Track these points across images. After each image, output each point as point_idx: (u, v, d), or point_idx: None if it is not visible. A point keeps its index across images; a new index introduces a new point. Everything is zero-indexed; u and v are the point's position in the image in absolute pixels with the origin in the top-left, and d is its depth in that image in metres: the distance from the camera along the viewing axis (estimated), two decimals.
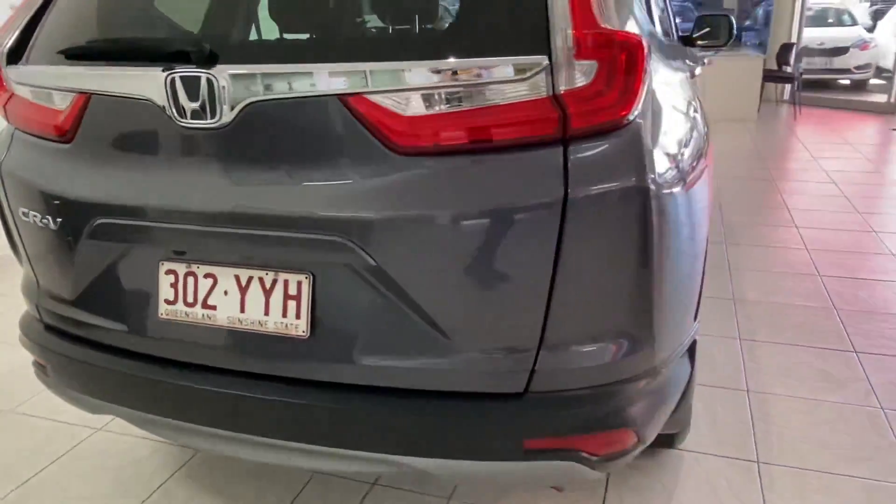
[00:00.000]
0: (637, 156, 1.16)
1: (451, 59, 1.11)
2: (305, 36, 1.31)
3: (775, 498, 1.80)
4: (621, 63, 1.13)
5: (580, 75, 1.12)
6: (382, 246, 1.18)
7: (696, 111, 1.68)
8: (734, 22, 3.26)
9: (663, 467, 1.92)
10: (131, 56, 1.26)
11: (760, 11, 9.63)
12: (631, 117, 1.17)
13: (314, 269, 1.25)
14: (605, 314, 1.22)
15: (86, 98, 1.33)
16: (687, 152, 1.38)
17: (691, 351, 1.56)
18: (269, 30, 1.36)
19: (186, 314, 1.34)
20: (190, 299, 1.34)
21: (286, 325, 1.28)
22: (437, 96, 1.12)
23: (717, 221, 4.11)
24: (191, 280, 1.34)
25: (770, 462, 1.93)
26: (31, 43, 1.44)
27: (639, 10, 1.36)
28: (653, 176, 1.16)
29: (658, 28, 1.82)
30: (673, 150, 1.29)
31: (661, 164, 1.20)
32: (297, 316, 1.27)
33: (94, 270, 1.42)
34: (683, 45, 3.30)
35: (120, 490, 1.89)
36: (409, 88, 1.12)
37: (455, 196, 1.15)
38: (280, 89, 1.17)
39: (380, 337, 1.24)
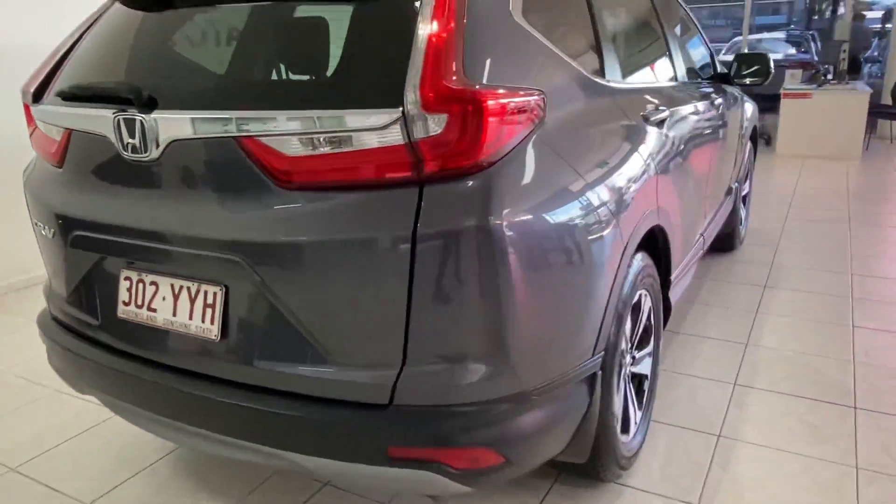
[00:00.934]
0: (485, 199, 1.28)
1: (322, 110, 1.30)
2: (217, 85, 1.54)
3: None
4: (469, 116, 1.27)
5: (434, 125, 1.27)
6: (268, 267, 1.37)
7: (649, 157, 1.77)
8: (770, 60, 3.21)
9: (597, 499, 1.96)
10: (95, 99, 1.55)
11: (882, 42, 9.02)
12: (485, 164, 1.30)
13: (227, 283, 1.47)
14: (460, 340, 1.34)
15: (69, 132, 1.64)
16: (576, 198, 1.48)
17: (591, 382, 1.62)
18: (202, 78, 1.60)
19: (136, 314, 1.60)
20: (139, 302, 1.60)
21: (204, 329, 1.50)
22: (312, 140, 1.31)
23: (764, 264, 3.97)
24: (140, 286, 1.60)
25: None
26: (49, 85, 1.79)
27: (543, 62, 1.48)
28: (499, 217, 1.28)
29: (616, 76, 1.91)
30: (545, 195, 1.40)
31: (516, 207, 1.32)
32: (212, 322, 1.49)
33: (78, 273, 1.72)
34: (722, 83, 3.29)
35: (118, 465, 2.19)
36: (287, 133, 1.32)
37: (325, 227, 1.33)
38: (192, 131, 1.40)
39: (272, 345, 1.44)
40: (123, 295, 1.62)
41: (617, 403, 1.84)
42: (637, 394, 2.15)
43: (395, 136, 1.27)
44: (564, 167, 1.49)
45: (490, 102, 1.29)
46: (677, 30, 3.01)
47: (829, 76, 7.92)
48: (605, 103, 1.82)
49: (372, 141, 1.28)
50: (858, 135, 7.33)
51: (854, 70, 8.77)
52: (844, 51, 8.09)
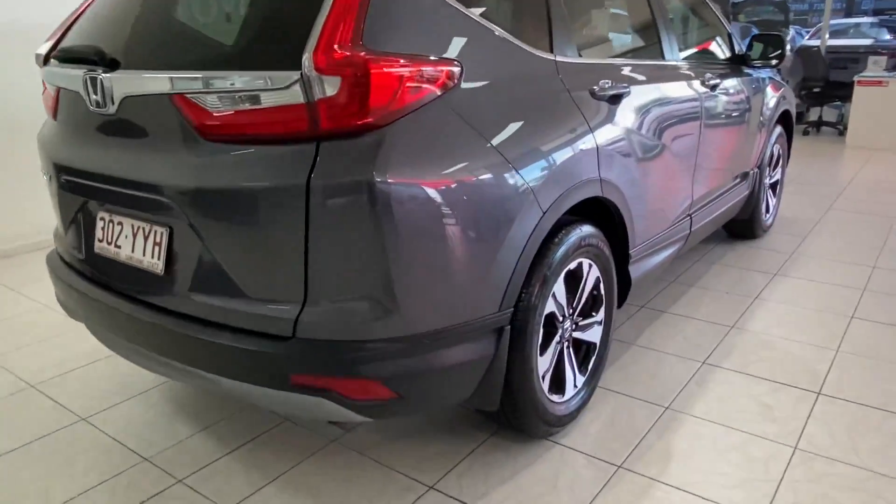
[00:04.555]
0: (372, 156, 1.43)
1: (235, 71, 1.48)
2: (161, 48, 1.74)
3: (610, 499, 1.88)
4: (357, 80, 1.41)
5: (329, 88, 1.42)
6: (193, 210, 1.58)
7: (579, 131, 1.88)
8: (785, 41, 3.15)
9: (525, 451, 2.08)
10: (75, 61, 1.80)
11: None
12: (377, 125, 1.44)
13: (171, 224, 1.68)
14: (352, 284, 1.50)
15: (58, 90, 1.90)
16: (479, 162, 1.60)
17: (498, 335, 1.75)
18: (152, 41, 1.80)
19: (106, 250, 1.85)
20: (109, 239, 1.85)
21: (152, 265, 1.73)
22: (227, 98, 1.50)
23: (783, 252, 3.88)
24: (111, 225, 1.85)
25: (630, 469, 2.00)
26: (54, 50, 2.06)
27: (463, 33, 1.61)
28: (384, 173, 1.42)
29: (568, 51, 1.99)
30: (442, 156, 1.53)
31: (406, 165, 1.46)
32: (158, 258, 1.71)
33: (69, 213, 1.99)
34: (739, 63, 3.26)
35: (121, 389, 2.50)
36: (208, 92, 1.51)
37: (237, 176, 1.51)
38: (138, 89, 1.62)
39: (202, 281, 1.64)
40: (98, 233, 1.88)
41: (540, 361, 1.95)
42: (584, 359, 2.24)
43: (295, 97, 1.44)
44: (470, 132, 1.61)
45: (377, 69, 1.43)
46: (679, 11, 3.00)
47: None
48: (544, 76, 1.91)
49: (276, 100, 1.45)
50: None
51: None
52: None
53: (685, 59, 2.85)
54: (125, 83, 1.66)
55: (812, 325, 2.94)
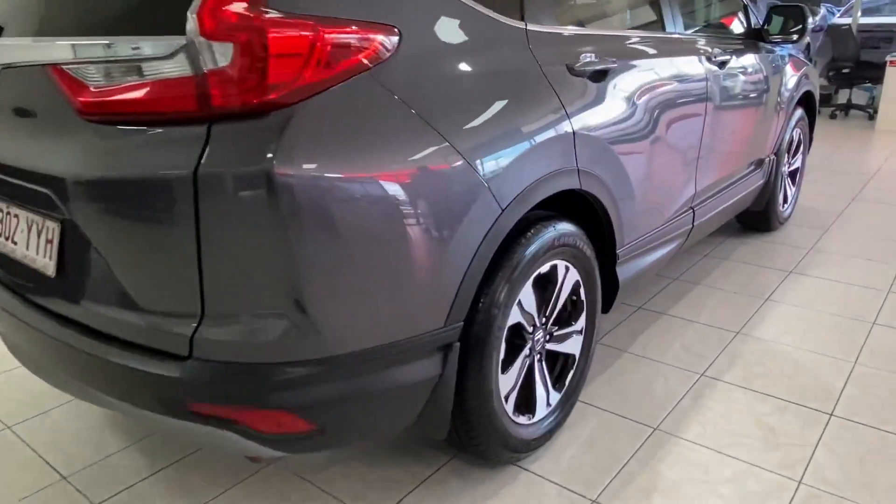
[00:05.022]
0: (273, 141, 1.16)
1: (111, 36, 1.22)
2: (41, 13, 1.48)
3: None
4: (252, 48, 1.14)
5: (220, 57, 1.15)
6: (73, 203, 1.33)
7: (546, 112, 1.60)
8: (807, 13, 2.81)
9: (488, 478, 1.82)
10: None
11: None
12: (282, 103, 1.17)
13: (62, 219, 1.44)
14: (254, 295, 1.24)
15: None
16: (418, 150, 1.33)
17: (445, 353, 1.48)
18: (35, 7, 1.54)
19: (4, 245, 1.61)
20: (7, 234, 1.61)
21: (45, 265, 1.48)
22: (106, 69, 1.24)
23: (801, 247, 3.55)
24: (8, 217, 1.60)
25: (599, 502, 1.74)
26: None
27: None
28: (288, 163, 1.16)
29: (543, 19, 1.70)
30: (367, 143, 1.26)
31: (317, 152, 1.19)
32: (50, 258, 1.47)
33: None
34: (755, 39, 2.95)
35: (52, 394, 2.28)
36: (83, 61, 1.25)
37: (118, 163, 1.26)
38: (12, 58, 1.37)
39: (92, 286, 1.40)
40: (1, 228, 1.64)
41: (502, 380, 1.69)
42: (560, 374, 1.98)
43: (182, 67, 1.17)
44: (408, 114, 1.33)
45: (278, 34, 1.15)
46: None
47: None
48: (510, 48, 1.62)
49: (160, 71, 1.19)
50: None
51: None
52: None
53: (691, 31, 2.53)
54: (4, 52, 1.40)
55: (828, 332, 2.63)
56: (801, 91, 3.50)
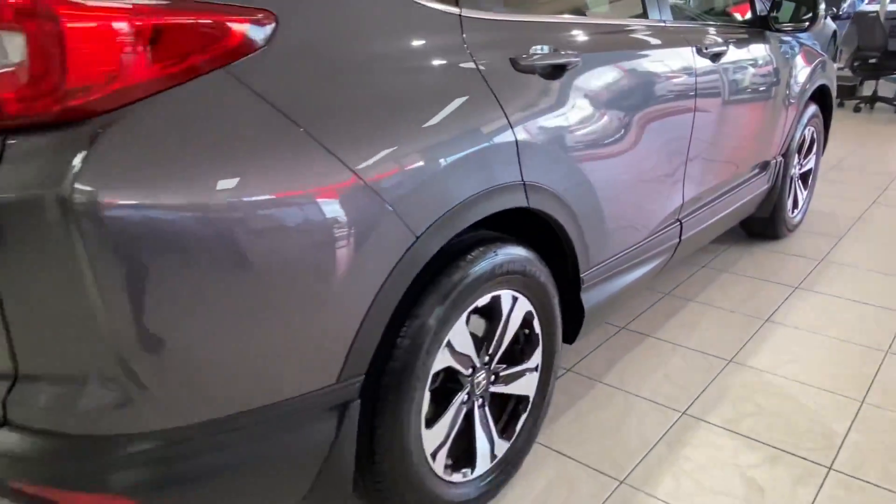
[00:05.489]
0: (72, 159, 0.89)
1: None
2: None
3: None
4: (46, 39, 0.87)
5: (12, 51, 0.89)
6: None
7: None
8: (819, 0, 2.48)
9: None
10: None
11: None
12: (94, 109, 0.91)
13: None
14: (73, 350, 0.99)
15: None
16: (291, 165, 1.05)
17: (342, 413, 1.22)
18: None
19: None
20: None
21: None
22: None
23: (812, 259, 3.22)
24: None
25: None
26: None
27: None
28: (94, 186, 0.89)
29: (485, 3, 1.42)
30: (219, 159, 0.99)
31: (139, 174, 0.92)
32: None
33: None
34: (760, 27, 2.63)
35: None
36: None
37: None
38: None
39: None
40: None
41: (427, 436, 1.42)
42: (511, 418, 1.70)
43: None
44: (280, 122, 1.05)
45: (76, 20, 0.88)
46: None
47: None
48: (436, 38, 1.33)
49: None
50: None
51: None
52: None
53: (681, 20, 2.22)
54: None
55: (833, 362, 2.32)
56: (815, 85, 3.16)
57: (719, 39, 2.31)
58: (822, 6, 2.50)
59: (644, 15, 2.02)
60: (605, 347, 2.42)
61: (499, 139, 1.39)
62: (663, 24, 2.06)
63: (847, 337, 2.48)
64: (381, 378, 1.29)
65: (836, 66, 11.46)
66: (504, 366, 1.64)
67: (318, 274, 1.09)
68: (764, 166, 2.92)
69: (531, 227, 1.67)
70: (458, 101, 1.32)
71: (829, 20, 13.29)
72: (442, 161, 1.27)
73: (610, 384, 2.19)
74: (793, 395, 2.12)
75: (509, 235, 1.56)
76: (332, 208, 1.10)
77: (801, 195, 3.53)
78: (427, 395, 1.39)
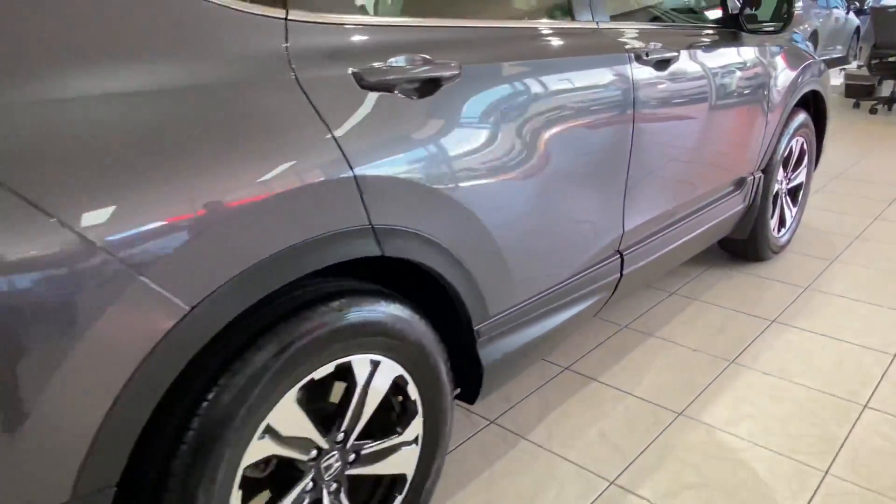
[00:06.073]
0: None
1: None
2: None
3: None
4: None
5: None
6: None
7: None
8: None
9: None
10: None
11: None
12: None
13: None
14: None
15: None
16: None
17: None
18: None
19: None
20: None
21: None
22: None
23: (796, 285, 2.89)
24: None
25: None
26: None
27: None
28: None
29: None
30: None
31: None
32: None
33: None
34: (731, 27, 2.32)
35: None
36: None
37: None
38: None
39: None
40: None
41: None
42: (381, 503, 1.42)
43: None
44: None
45: None
46: None
47: None
48: (241, 47, 1.05)
49: None
50: None
51: None
52: None
53: (620, 21, 1.90)
54: None
55: (800, 418, 2.00)
56: (802, 91, 2.81)
57: (670, 43, 1.99)
58: (798, 3, 2.16)
59: (570, 16, 1.71)
60: (539, 394, 2.13)
61: (326, 175, 1.10)
62: (594, 27, 1.75)
63: (820, 385, 2.16)
64: (166, 481, 1.02)
65: (855, 63, 10.95)
66: (368, 441, 1.35)
67: (19, 356, 0.82)
68: (739, 184, 2.60)
69: (418, 275, 1.40)
70: (258, 128, 1.03)
71: (851, 15, 12.76)
72: (229, 206, 0.98)
73: (535, 441, 1.90)
74: (745, 461, 1.81)
75: (392, 286, 1.28)
76: (43, 276, 0.82)
77: (790, 213, 3.19)
78: (237, 493, 1.12)
